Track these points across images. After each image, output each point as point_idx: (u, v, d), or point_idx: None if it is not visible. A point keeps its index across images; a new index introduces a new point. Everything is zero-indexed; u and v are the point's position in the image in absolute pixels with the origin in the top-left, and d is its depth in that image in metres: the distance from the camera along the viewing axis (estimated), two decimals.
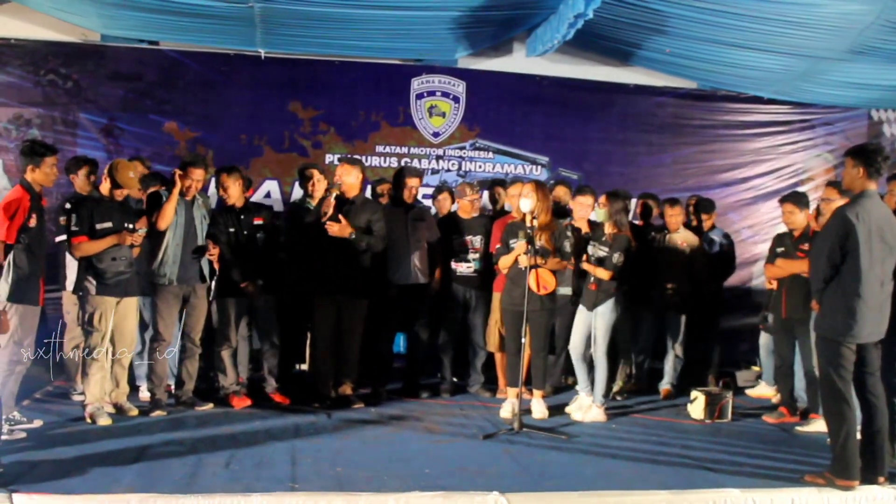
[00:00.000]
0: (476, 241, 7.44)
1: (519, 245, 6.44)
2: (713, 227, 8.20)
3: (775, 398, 7.45)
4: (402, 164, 8.85)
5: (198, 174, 6.56)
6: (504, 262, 6.68)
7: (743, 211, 9.66)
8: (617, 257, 6.62)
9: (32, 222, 5.64)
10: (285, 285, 7.00)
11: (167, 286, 6.46)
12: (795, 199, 6.89)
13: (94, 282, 6.08)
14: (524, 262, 6.42)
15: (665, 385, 7.79)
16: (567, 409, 6.87)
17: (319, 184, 7.20)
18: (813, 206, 7.21)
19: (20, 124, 8.27)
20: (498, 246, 6.83)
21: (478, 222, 7.56)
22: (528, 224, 6.43)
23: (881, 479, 5.13)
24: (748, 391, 8.12)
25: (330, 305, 6.80)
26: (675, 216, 7.68)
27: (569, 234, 6.78)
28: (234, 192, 6.83)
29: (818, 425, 6.36)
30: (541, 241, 6.50)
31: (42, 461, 5.09)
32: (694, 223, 8.20)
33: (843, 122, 9.94)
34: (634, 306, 7.27)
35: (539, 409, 6.73)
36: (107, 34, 8.41)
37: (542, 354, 6.79)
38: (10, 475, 4.71)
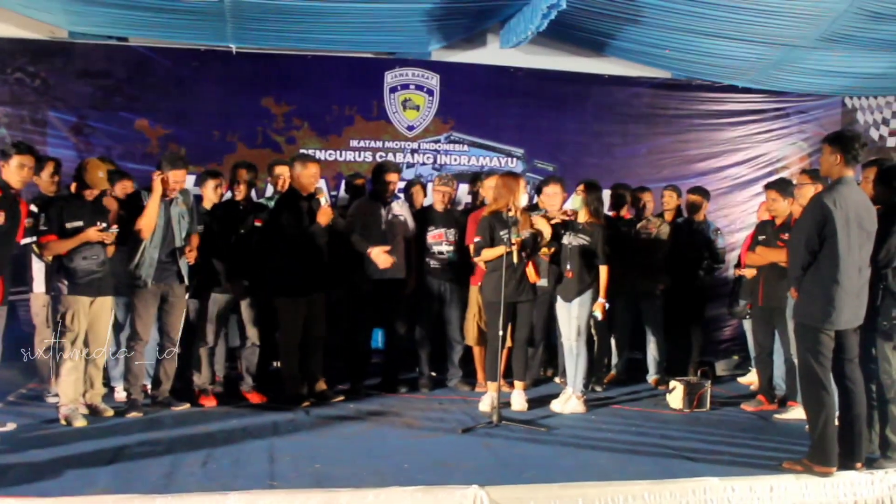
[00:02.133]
0: (450, 233, 7.41)
1: (517, 241, 6.43)
2: (705, 219, 8.23)
3: (754, 385, 7.49)
4: (377, 158, 8.81)
5: (179, 175, 6.42)
6: (488, 255, 6.59)
7: (719, 200, 9.63)
8: (606, 249, 6.66)
9: (0, 220, 5.50)
10: (254, 285, 6.93)
11: (144, 287, 6.37)
12: (780, 186, 6.89)
13: (67, 282, 6.00)
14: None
15: (652, 376, 7.86)
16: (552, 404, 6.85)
17: (282, 180, 7.17)
18: None
19: None
20: (478, 240, 6.69)
21: (451, 215, 7.55)
22: (511, 216, 6.47)
23: (858, 464, 5.16)
24: (739, 379, 8.18)
25: (298, 306, 6.73)
26: (648, 202, 7.81)
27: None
28: (245, 189, 6.91)
29: (796, 413, 6.41)
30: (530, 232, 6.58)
31: (16, 464, 5.01)
32: (670, 217, 8.22)
33: (818, 110, 9.96)
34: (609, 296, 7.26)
35: (519, 402, 6.73)
36: (74, 31, 8.28)
37: (524, 346, 6.80)
38: None
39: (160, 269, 6.39)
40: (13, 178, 5.69)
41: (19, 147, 5.79)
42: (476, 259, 6.82)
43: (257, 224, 6.89)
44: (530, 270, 6.58)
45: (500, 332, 6.34)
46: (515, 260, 6.44)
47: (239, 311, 6.97)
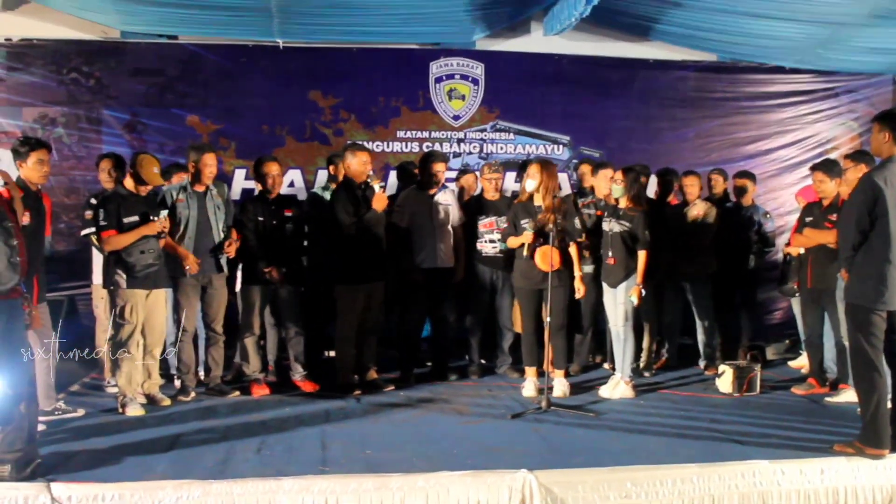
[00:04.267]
0: (501, 221, 7.41)
1: (526, 234, 6.57)
2: (753, 202, 8.14)
3: (805, 369, 7.42)
4: (424, 148, 8.86)
5: (210, 159, 6.59)
6: (510, 243, 6.83)
7: (767, 183, 9.53)
8: (646, 234, 6.62)
9: (26, 220, 5.22)
10: (310, 274, 7.04)
11: (184, 279, 6.52)
12: (826, 167, 6.77)
13: (125, 275, 6.13)
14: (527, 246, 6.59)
15: (702, 360, 7.79)
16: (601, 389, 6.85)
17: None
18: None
19: (45, 123, 8.36)
20: (505, 226, 6.94)
21: (502, 203, 7.56)
22: (535, 204, 6.62)
23: None
24: (790, 363, 8.08)
25: (358, 294, 6.82)
26: (691, 186, 7.70)
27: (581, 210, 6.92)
28: (278, 181, 6.97)
29: (847, 395, 6.35)
30: (549, 223, 6.53)
31: (78, 451, 5.19)
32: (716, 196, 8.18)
33: (867, 88, 9.80)
34: (657, 281, 7.22)
35: (560, 388, 6.73)
36: (126, 30, 8.45)
37: (560, 333, 6.80)
38: (47, 466, 4.80)
39: (202, 261, 6.52)
40: (33, 175, 5.53)
41: (33, 143, 5.58)
42: (507, 245, 6.97)
43: (288, 214, 6.97)
44: (539, 259, 6.58)
45: (535, 318, 6.51)
46: (526, 252, 6.59)
47: (281, 300, 7.03)
